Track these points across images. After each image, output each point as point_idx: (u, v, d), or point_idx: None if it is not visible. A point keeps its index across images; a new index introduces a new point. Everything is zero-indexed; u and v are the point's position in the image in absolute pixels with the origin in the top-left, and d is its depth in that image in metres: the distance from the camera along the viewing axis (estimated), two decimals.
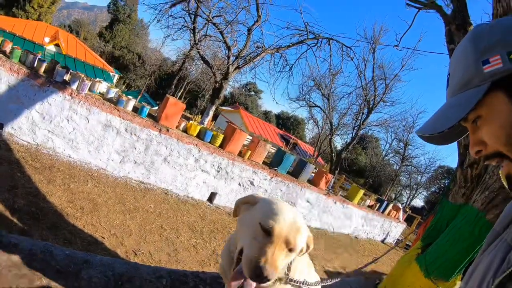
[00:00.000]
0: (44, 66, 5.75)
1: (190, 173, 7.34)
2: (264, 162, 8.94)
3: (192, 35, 13.05)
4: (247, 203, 1.39)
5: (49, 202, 4.53)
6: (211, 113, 12.78)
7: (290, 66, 13.91)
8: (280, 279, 1.42)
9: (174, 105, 6.98)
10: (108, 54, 37.61)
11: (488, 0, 4.42)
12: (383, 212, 14.07)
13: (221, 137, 7.74)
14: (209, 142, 7.61)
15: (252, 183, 8.33)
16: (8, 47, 5.75)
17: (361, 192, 12.48)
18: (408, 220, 19.38)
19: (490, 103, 0.72)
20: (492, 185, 3.86)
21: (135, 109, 6.75)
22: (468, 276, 0.84)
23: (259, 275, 1.13)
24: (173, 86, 31.48)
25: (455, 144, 3.88)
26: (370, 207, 13.42)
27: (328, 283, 1.94)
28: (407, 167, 34.66)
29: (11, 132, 5.52)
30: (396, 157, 35.85)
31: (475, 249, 3.66)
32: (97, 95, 6.42)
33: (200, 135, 7.60)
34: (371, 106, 20.75)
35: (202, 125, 8.15)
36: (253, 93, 47.98)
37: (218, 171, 7.70)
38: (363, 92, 20.98)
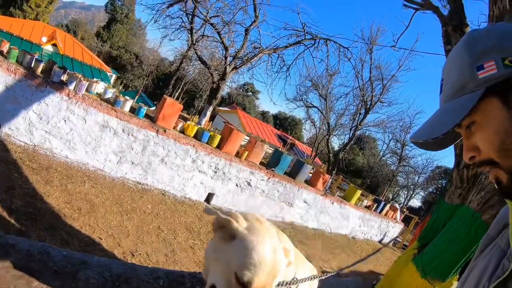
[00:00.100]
0: (41, 66, 5.75)
1: (187, 173, 7.34)
2: (261, 163, 8.95)
3: (189, 35, 13.04)
4: (224, 228, 1.26)
5: (47, 203, 4.53)
6: (208, 113, 12.77)
7: (288, 66, 13.91)
8: None
9: (171, 106, 6.98)
10: (105, 54, 37.53)
11: (485, 1, 4.44)
12: (380, 212, 14.10)
13: (218, 137, 7.75)
14: (207, 143, 7.61)
15: (249, 184, 8.34)
16: (5, 47, 5.75)
17: (358, 192, 12.51)
18: (406, 221, 19.42)
19: (484, 109, 0.72)
20: (488, 186, 3.88)
21: (132, 110, 6.75)
22: (463, 281, 0.85)
23: None
24: (170, 86, 31.44)
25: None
26: (368, 207, 13.45)
27: (325, 277, 1.96)
28: (404, 168, 34.68)
29: (8, 133, 5.51)
30: (394, 158, 35.86)
31: (471, 249, 3.69)
32: (95, 95, 6.42)
33: (198, 136, 7.61)
34: (368, 106, 20.77)
35: (199, 126, 8.15)
36: (250, 93, 47.98)
37: (215, 172, 7.71)
38: (360, 93, 20.99)
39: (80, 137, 6.08)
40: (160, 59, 42.08)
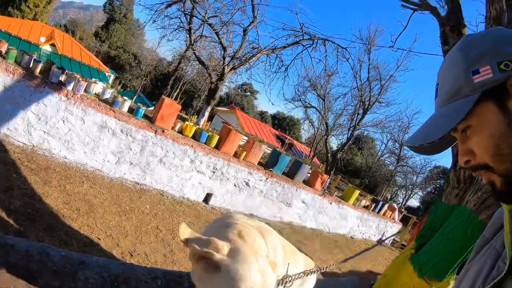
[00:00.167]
0: (39, 66, 5.75)
1: (186, 174, 7.36)
2: (259, 163, 8.97)
3: (187, 35, 13.06)
4: (205, 260, 1.23)
5: (45, 203, 4.54)
6: (206, 113, 12.79)
7: (286, 66, 13.96)
8: None
9: (170, 106, 6.99)
10: (103, 54, 37.47)
11: (483, 1, 4.46)
12: (378, 212, 14.12)
13: (216, 138, 7.76)
14: (205, 143, 7.62)
15: (247, 184, 8.36)
16: (3, 47, 5.76)
17: (357, 192, 12.53)
18: (404, 221, 19.46)
19: (480, 113, 0.73)
20: (484, 186, 3.90)
21: (131, 110, 6.76)
22: (458, 282, 0.85)
23: None
24: (169, 87, 31.42)
25: None
26: (366, 207, 13.47)
27: (325, 270, 1.98)
28: (402, 168, 34.76)
29: (7, 133, 5.52)
30: (392, 158, 35.93)
31: (468, 249, 3.70)
32: (93, 96, 6.43)
33: (196, 136, 7.62)
34: (366, 106, 20.82)
35: (197, 126, 8.17)
36: (249, 93, 47.98)
37: (214, 172, 7.72)
38: (359, 93, 21.05)
39: (78, 138, 6.08)
40: (159, 59, 42.05)
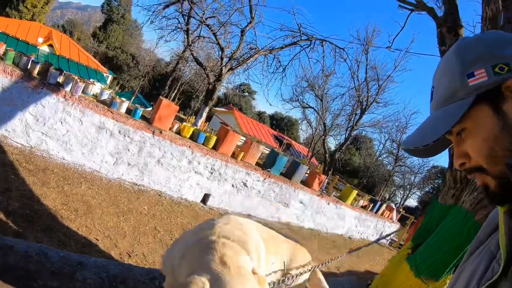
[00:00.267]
0: (37, 68, 5.77)
1: (184, 174, 7.37)
2: (257, 163, 8.98)
3: (185, 36, 13.05)
4: None
5: (43, 205, 4.55)
6: (204, 114, 12.80)
7: (284, 67, 13.98)
8: None
9: (167, 107, 7.01)
10: (101, 55, 37.43)
11: (480, 1, 4.48)
12: (376, 212, 14.14)
13: (214, 138, 7.78)
14: (203, 144, 7.64)
15: (245, 185, 8.38)
16: (1, 48, 5.77)
17: (354, 192, 12.55)
18: (402, 220, 19.49)
19: (475, 116, 0.73)
20: (480, 188, 3.92)
21: (129, 111, 6.77)
22: (452, 283, 0.85)
23: None
24: (167, 87, 31.45)
25: None
26: (364, 207, 13.49)
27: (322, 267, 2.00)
28: (400, 168, 34.78)
29: (5, 135, 5.52)
30: (390, 158, 35.96)
31: (464, 249, 3.72)
32: (91, 97, 6.44)
33: (193, 137, 7.63)
34: (364, 107, 20.85)
35: (195, 127, 8.18)
36: (247, 94, 47.98)
37: (212, 173, 7.74)
38: (356, 93, 21.08)
39: (76, 139, 6.09)
40: (157, 60, 42.04)
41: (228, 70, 12.54)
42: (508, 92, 0.70)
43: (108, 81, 22.61)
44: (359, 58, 20.20)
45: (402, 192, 39.72)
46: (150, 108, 18.70)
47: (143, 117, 6.98)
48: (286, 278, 1.96)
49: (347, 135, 22.00)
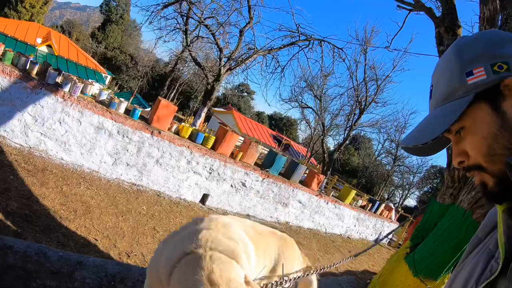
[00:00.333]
0: (36, 68, 5.77)
1: (182, 175, 7.38)
2: (256, 163, 8.99)
3: (184, 36, 13.06)
4: None
5: (42, 205, 4.55)
6: (203, 114, 12.80)
7: (282, 67, 13.96)
8: None
9: (166, 107, 7.01)
10: (100, 55, 37.44)
11: (477, 1, 4.50)
12: (375, 212, 14.16)
13: (213, 138, 7.78)
14: (201, 144, 7.65)
15: (244, 185, 8.39)
16: (0, 49, 5.76)
17: (353, 192, 12.56)
18: (401, 220, 19.51)
19: (474, 114, 0.73)
20: (478, 187, 3.93)
21: (127, 111, 6.78)
22: (450, 282, 0.85)
23: None
24: (165, 88, 31.48)
25: None
26: (363, 207, 13.51)
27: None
28: (399, 167, 34.85)
29: (4, 135, 5.53)
30: (389, 157, 35.99)
31: (462, 248, 3.74)
32: (89, 97, 6.45)
33: (192, 137, 7.64)
34: (362, 107, 20.84)
35: (194, 127, 8.19)
36: (245, 94, 48.01)
37: (210, 173, 7.75)
38: (355, 93, 21.07)
39: (75, 139, 6.10)
40: (155, 60, 42.06)
41: (227, 70, 12.56)
42: (507, 91, 0.70)
43: (106, 82, 22.59)
44: (358, 58, 20.19)
45: (401, 192, 39.78)
46: (149, 109, 18.69)
47: (141, 118, 6.98)
48: (284, 281, 1.96)
49: (345, 135, 21.98)
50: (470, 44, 0.76)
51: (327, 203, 11.04)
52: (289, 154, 28.04)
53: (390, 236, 15.83)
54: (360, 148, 43.34)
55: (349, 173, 42.15)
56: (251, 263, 1.66)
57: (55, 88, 5.72)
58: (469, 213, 3.82)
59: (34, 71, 5.73)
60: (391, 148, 33.92)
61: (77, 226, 4.53)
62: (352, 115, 22.12)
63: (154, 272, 1.60)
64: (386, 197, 40.20)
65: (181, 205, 7.19)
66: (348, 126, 22.13)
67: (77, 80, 6.05)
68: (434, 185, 36.97)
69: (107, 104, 6.42)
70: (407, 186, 38.15)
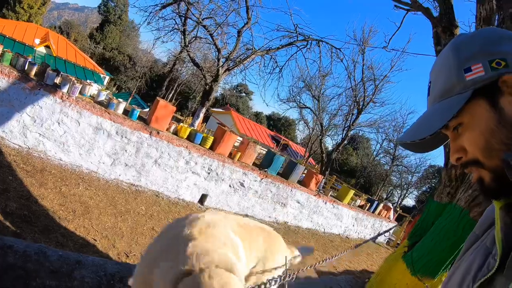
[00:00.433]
0: (34, 69, 5.78)
1: (181, 175, 7.39)
2: (254, 164, 9.00)
3: (182, 37, 13.09)
4: None
5: (41, 205, 4.56)
6: (201, 115, 12.82)
7: (280, 67, 14.01)
8: None
9: (164, 108, 7.02)
10: (98, 56, 37.42)
11: (474, 1, 4.52)
12: (373, 212, 14.19)
13: (211, 139, 7.79)
14: (200, 144, 7.66)
15: (242, 185, 8.40)
16: None
17: (351, 192, 12.58)
18: (399, 220, 19.55)
19: (472, 110, 0.74)
20: (475, 184, 3.95)
21: (126, 112, 6.79)
22: (448, 279, 0.85)
23: None
24: (164, 88, 31.47)
25: None
26: (361, 207, 13.54)
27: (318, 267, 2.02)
28: (397, 167, 34.93)
29: (2, 136, 5.53)
30: (387, 157, 36.09)
31: (460, 247, 3.75)
32: (88, 98, 6.46)
33: (191, 137, 7.65)
34: (361, 107, 20.86)
35: (192, 128, 8.20)
36: (244, 94, 48.02)
37: (209, 173, 7.76)
38: (353, 93, 21.08)
39: (74, 140, 6.11)
40: (154, 61, 42.05)
41: (225, 71, 12.58)
42: (505, 87, 0.71)
43: (105, 82, 22.58)
44: (356, 58, 20.20)
45: (400, 191, 39.86)
46: (147, 109, 18.70)
47: (140, 118, 6.99)
48: (287, 276, 1.96)
49: (344, 135, 22.00)
50: (468, 41, 0.77)
51: (326, 203, 11.06)
52: (287, 154, 28.08)
53: (387, 234, 15.86)
54: (358, 148, 43.41)
55: (347, 173, 42.20)
56: (242, 262, 1.64)
57: (54, 88, 5.73)
58: (466, 212, 3.84)
59: (33, 72, 5.74)
60: (389, 148, 34.06)
61: (76, 226, 4.54)
62: (350, 115, 22.14)
63: (139, 274, 1.56)
64: (385, 196, 40.31)
65: (179, 205, 7.20)
66: (346, 126, 22.14)
67: (75, 81, 6.06)
68: (433, 184, 37.03)
69: (106, 105, 6.43)
70: (405, 185, 38.27)
